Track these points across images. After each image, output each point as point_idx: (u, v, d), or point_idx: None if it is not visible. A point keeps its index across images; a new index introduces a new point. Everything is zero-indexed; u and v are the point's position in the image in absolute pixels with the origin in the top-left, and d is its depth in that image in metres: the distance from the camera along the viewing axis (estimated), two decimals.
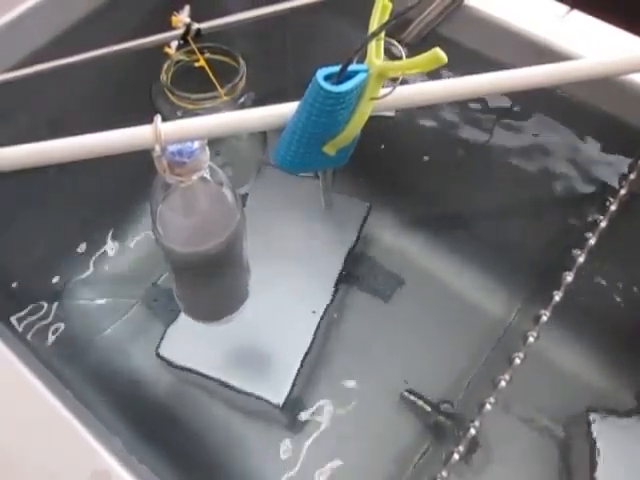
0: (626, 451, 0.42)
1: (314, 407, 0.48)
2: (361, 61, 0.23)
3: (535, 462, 0.46)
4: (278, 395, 0.46)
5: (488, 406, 0.32)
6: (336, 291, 0.51)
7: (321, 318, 0.49)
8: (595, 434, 0.43)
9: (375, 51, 0.23)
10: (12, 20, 0.40)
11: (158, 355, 0.47)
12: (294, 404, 0.47)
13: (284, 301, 0.50)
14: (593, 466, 0.41)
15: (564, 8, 0.40)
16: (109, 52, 0.34)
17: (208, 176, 0.34)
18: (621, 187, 0.39)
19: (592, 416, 0.43)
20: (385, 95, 0.23)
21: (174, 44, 0.38)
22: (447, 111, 0.47)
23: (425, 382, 0.49)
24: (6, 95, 0.33)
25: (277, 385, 0.46)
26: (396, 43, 0.24)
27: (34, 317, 0.49)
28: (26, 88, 0.34)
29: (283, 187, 0.54)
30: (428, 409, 0.47)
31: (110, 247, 0.54)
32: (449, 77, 0.25)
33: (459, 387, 0.48)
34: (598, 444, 0.42)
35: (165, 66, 0.46)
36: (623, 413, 0.45)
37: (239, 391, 0.46)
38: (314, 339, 0.48)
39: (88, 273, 0.53)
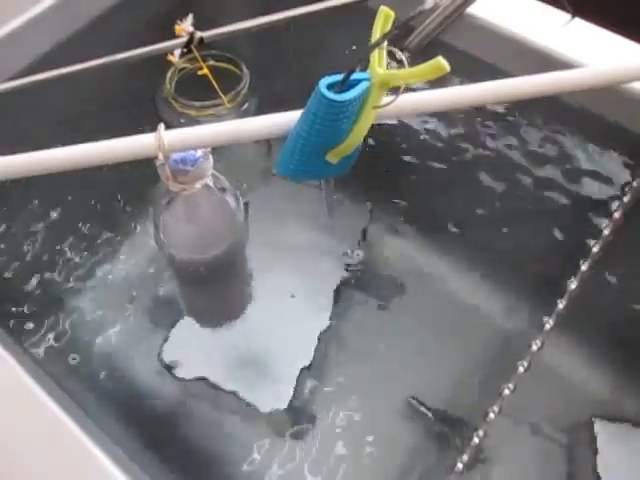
0: (630, 459, 0.42)
1: (316, 414, 0.48)
2: (364, 70, 0.23)
3: (539, 470, 0.46)
4: (280, 402, 0.46)
5: (491, 414, 0.32)
6: (338, 297, 0.51)
7: (322, 325, 0.49)
8: (599, 442, 0.42)
9: (378, 60, 0.23)
10: (15, 28, 0.40)
11: (162, 363, 0.47)
12: (296, 411, 0.47)
13: (286, 307, 0.50)
14: (597, 474, 0.41)
15: (566, 16, 0.40)
16: (113, 60, 0.34)
17: (211, 183, 0.34)
18: (624, 194, 0.39)
19: (596, 424, 0.43)
20: (387, 104, 0.23)
21: (177, 52, 0.38)
22: (449, 117, 0.47)
23: (428, 390, 0.48)
24: (8, 102, 0.34)
25: (279, 392, 0.46)
26: (399, 52, 0.24)
27: (34, 324, 0.49)
28: (28, 96, 0.34)
29: (286, 194, 0.55)
30: (431, 417, 0.47)
31: (111, 253, 0.54)
32: (451, 85, 0.26)
33: (462, 395, 0.48)
34: (602, 452, 0.42)
35: (169, 74, 0.47)
36: (627, 421, 0.44)
37: (241, 398, 0.46)
38: (315, 345, 0.48)
39: (89, 279, 0.53)
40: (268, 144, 0.55)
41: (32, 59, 0.41)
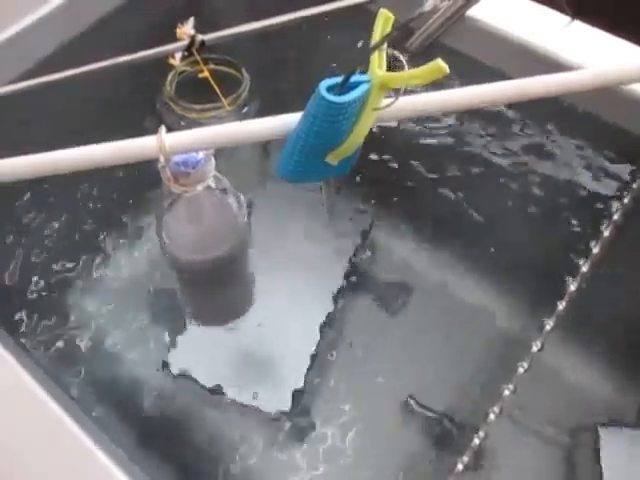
0: (632, 463, 0.42)
1: (318, 417, 0.48)
2: (364, 72, 0.23)
3: (540, 473, 0.46)
4: (281, 402, 0.46)
5: (492, 416, 0.32)
6: (339, 299, 0.51)
7: (324, 327, 0.49)
8: (601, 445, 0.42)
9: (377, 62, 0.23)
10: (18, 31, 0.40)
11: (163, 364, 0.47)
12: (297, 414, 0.47)
13: (287, 308, 0.51)
14: (599, 477, 0.41)
15: (566, 19, 0.40)
16: (114, 63, 0.34)
17: (213, 185, 0.34)
18: (624, 195, 0.39)
19: (598, 427, 0.43)
20: (387, 106, 0.23)
21: (178, 55, 0.38)
22: (450, 120, 0.48)
23: (429, 391, 0.48)
24: (8, 106, 0.34)
25: (280, 392, 0.46)
26: (399, 54, 0.24)
27: (37, 324, 0.49)
28: (30, 98, 0.34)
29: (286, 197, 0.55)
30: (433, 418, 0.47)
31: (114, 254, 0.55)
32: (451, 87, 0.26)
33: (463, 396, 0.48)
34: (604, 455, 0.42)
35: (170, 77, 0.47)
36: (629, 424, 0.44)
37: (242, 398, 0.46)
38: (317, 348, 0.48)
39: (91, 280, 0.53)
40: (266, 146, 0.55)
41: (35, 62, 0.41)
